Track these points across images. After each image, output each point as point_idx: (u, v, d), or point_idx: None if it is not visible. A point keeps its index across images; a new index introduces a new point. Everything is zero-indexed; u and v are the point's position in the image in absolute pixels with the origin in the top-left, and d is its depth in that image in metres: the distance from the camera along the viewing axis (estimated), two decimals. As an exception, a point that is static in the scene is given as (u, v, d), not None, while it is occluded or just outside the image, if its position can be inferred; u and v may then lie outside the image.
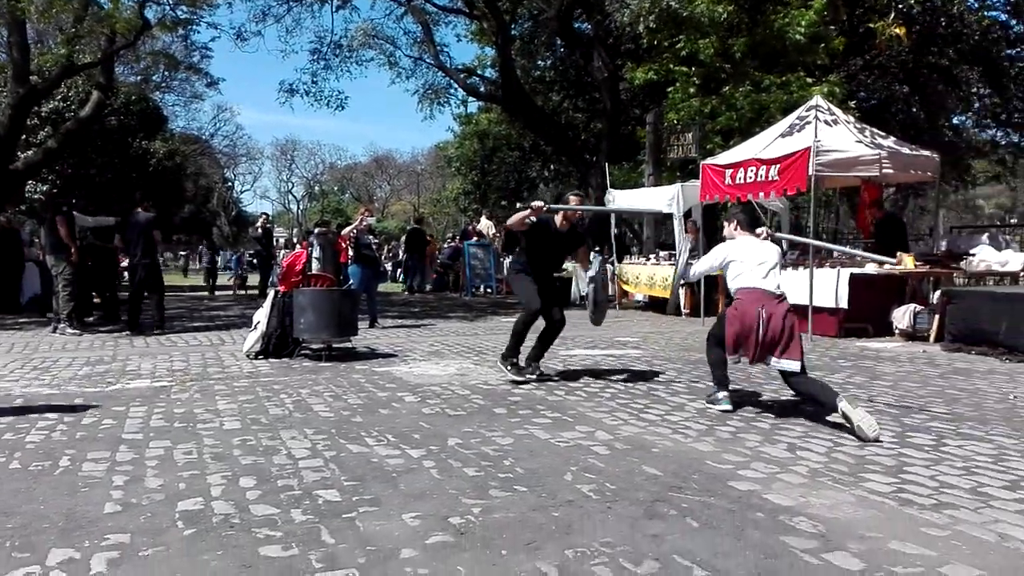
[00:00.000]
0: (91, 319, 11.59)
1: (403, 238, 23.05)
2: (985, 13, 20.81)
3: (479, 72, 25.08)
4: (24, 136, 16.82)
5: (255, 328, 8.12)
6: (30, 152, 16.31)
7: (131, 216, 10.51)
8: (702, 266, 5.96)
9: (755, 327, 4.98)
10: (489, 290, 19.34)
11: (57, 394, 5.95)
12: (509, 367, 6.52)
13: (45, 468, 3.93)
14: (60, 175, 21.65)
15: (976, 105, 23.28)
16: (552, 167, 27.89)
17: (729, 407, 5.31)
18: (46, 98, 17.87)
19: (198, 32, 17.85)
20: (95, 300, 12.30)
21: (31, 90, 14.82)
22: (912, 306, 9.51)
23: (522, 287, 6.61)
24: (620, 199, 14.87)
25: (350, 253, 11.20)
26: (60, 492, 3.55)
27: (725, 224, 5.94)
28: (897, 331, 9.53)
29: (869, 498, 3.47)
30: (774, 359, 4.97)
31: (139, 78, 26.22)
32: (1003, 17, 21.26)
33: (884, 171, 9.85)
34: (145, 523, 3.14)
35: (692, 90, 16.07)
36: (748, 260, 5.34)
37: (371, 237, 11.54)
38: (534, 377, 6.54)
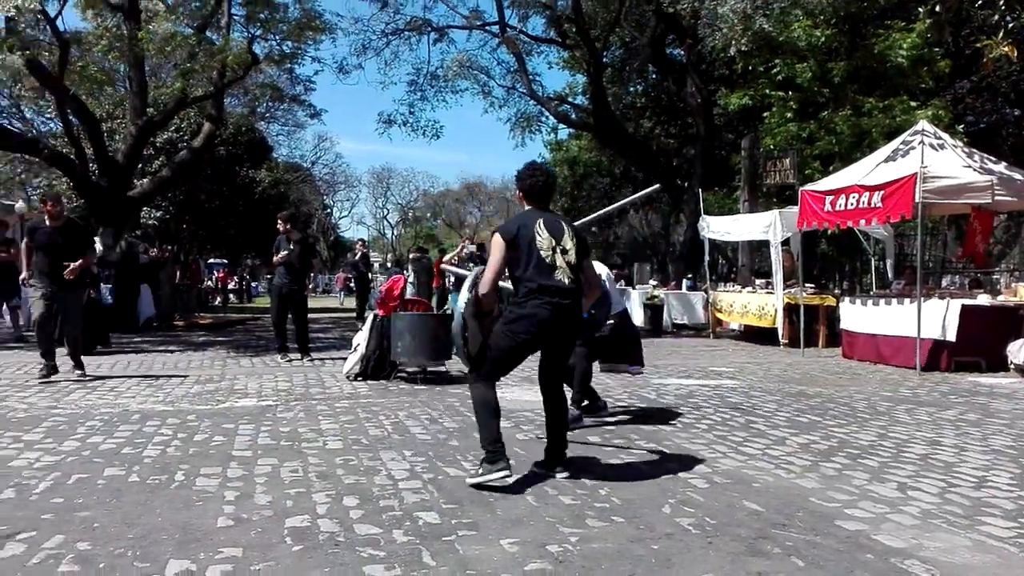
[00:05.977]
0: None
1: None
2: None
3: (570, 99, 25.22)
4: (140, 165, 17.83)
5: (355, 350, 8.36)
6: (145, 180, 17.26)
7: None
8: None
9: None
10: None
11: (171, 411, 6.25)
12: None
13: (162, 482, 4.13)
14: (172, 202, 22.80)
15: (1095, 128, 21.99)
16: (643, 193, 27.75)
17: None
18: (161, 129, 18.88)
19: (302, 65, 18.50)
20: None
21: (148, 122, 15.74)
22: (1029, 340, 9.00)
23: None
24: (714, 225, 14.65)
25: (451, 279, 11.38)
26: (176, 505, 3.73)
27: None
28: (1013, 366, 9.03)
29: (987, 542, 3.30)
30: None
31: (246, 109, 27.45)
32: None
33: (997, 198, 9.38)
34: (256, 538, 3.27)
35: (789, 115, 15.81)
36: None
37: (472, 264, 11.72)
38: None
